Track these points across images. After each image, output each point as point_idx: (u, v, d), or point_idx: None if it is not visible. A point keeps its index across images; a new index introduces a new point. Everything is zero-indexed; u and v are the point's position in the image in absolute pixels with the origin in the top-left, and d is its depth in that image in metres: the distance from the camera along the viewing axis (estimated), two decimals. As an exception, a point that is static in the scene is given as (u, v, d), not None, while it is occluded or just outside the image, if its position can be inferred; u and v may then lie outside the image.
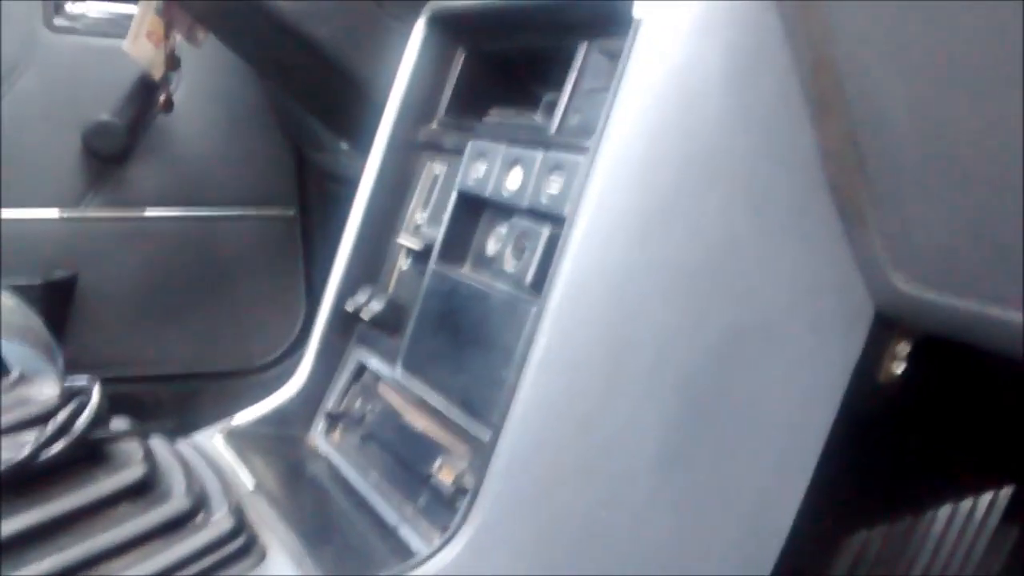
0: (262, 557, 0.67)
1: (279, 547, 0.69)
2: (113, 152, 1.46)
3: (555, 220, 0.65)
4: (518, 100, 0.87)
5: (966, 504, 0.82)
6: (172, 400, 1.52)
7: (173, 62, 1.26)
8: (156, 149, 1.51)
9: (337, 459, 0.85)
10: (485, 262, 0.74)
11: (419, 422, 0.78)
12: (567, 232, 0.62)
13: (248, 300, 1.55)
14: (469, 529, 0.63)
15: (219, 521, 0.67)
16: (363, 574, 0.64)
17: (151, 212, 1.48)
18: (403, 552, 0.68)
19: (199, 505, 0.68)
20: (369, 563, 0.66)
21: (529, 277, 0.66)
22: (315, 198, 1.56)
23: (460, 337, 0.72)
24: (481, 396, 0.68)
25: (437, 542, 0.64)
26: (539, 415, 0.63)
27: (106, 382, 0.70)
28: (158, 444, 0.74)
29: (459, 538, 0.63)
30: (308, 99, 1.25)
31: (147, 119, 1.49)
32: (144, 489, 0.67)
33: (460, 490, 0.69)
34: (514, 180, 0.70)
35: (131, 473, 0.67)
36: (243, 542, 0.66)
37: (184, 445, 0.81)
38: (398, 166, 0.88)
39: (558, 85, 0.76)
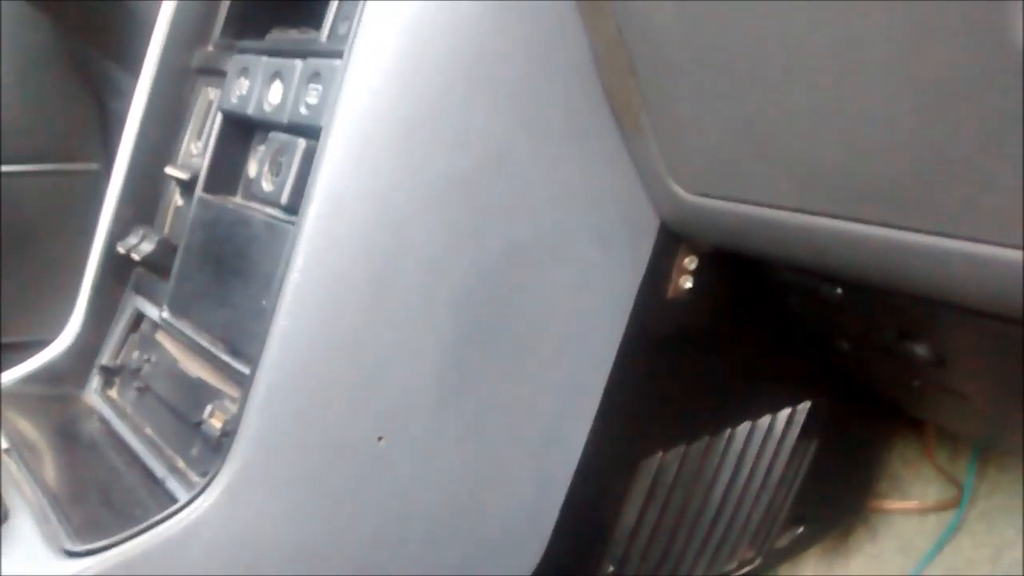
0: (1, 518, 0.60)
1: (23, 508, 0.62)
2: None
3: (313, 133, 0.60)
4: (304, 19, 0.80)
5: (764, 421, 0.82)
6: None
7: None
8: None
9: (111, 416, 0.77)
10: (251, 187, 0.68)
11: (194, 368, 0.71)
12: (323, 143, 0.57)
13: (50, 263, 1.42)
14: (228, 472, 0.58)
15: (-52, 484, 0.59)
16: (110, 530, 0.58)
17: (-66, 169, 1.33)
18: (168, 505, 0.62)
19: (-74, 468, 0.60)
20: (127, 519, 0.60)
21: (284, 196, 0.60)
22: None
23: (223, 270, 0.66)
24: (242, 331, 0.62)
25: (196, 489, 0.59)
26: (298, 343, 0.58)
27: None
28: None
29: (217, 482, 0.58)
30: (93, 34, 1.15)
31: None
32: None
33: (228, 434, 0.63)
34: (275, 94, 0.65)
35: None
36: (-22, 505, 0.60)
37: (-76, 407, 0.72)
38: (170, 93, 0.81)
39: None
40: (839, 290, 0.65)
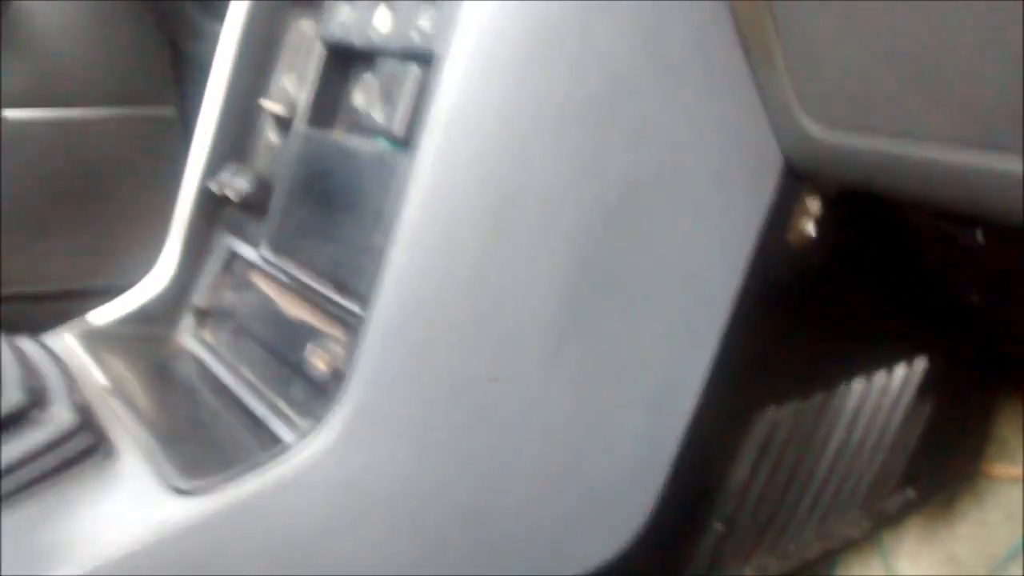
0: (111, 455, 0.59)
1: (131, 446, 0.61)
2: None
3: (426, 59, 0.57)
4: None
5: (880, 378, 0.78)
6: (49, 320, 1.40)
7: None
8: (10, 45, 1.35)
9: (207, 357, 0.76)
10: (356, 119, 0.66)
11: (292, 307, 0.70)
12: (438, 70, 0.54)
13: (126, 209, 1.42)
14: (342, 414, 0.56)
15: (59, 417, 0.58)
16: (218, 469, 0.56)
17: (11, 114, 1.34)
18: (272, 446, 0.61)
19: (36, 401, 0.59)
20: (231, 459, 0.59)
21: (397, 126, 0.57)
22: (195, 95, 1.42)
23: (329, 206, 0.64)
24: (352, 268, 0.60)
25: (306, 431, 0.57)
26: (414, 280, 0.55)
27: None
28: (-10, 341, 0.64)
29: (331, 424, 0.56)
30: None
31: (-3, 9, 1.33)
32: (-30, 386, 0.58)
33: (336, 375, 0.61)
34: (381, 19, 0.62)
35: (-49, 368, 0.58)
36: (88, 440, 0.59)
37: (26, 343, 0.71)
38: (263, 24, 0.78)
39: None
40: (980, 235, 0.60)
